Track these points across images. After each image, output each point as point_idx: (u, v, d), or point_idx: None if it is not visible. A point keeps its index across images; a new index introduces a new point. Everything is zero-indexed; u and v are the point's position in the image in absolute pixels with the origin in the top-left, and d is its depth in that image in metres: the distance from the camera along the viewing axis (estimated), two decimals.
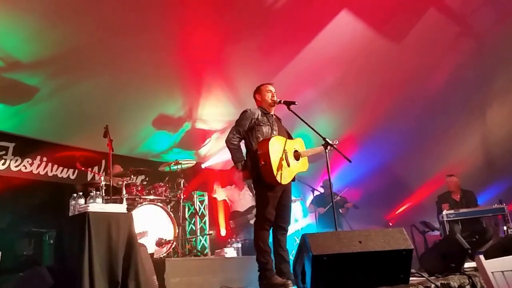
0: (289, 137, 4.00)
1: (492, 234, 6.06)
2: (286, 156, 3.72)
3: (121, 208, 3.65)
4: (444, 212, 6.11)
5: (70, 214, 3.54)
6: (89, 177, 6.28)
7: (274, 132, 3.85)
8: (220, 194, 6.65)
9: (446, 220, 6.03)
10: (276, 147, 3.67)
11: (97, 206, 3.45)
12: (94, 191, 4.62)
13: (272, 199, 3.71)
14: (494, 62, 6.66)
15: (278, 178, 3.57)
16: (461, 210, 6.09)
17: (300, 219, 8.40)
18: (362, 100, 7.07)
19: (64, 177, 6.16)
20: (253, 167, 3.72)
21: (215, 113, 6.87)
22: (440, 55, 6.55)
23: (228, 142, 3.83)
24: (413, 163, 8.25)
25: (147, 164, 6.98)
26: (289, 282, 3.48)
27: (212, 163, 7.89)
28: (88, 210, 3.32)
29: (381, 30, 5.90)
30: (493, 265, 2.22)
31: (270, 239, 3.82)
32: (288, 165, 3.72)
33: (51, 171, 6.06)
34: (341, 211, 7.26)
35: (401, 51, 6.22)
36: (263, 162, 3.59)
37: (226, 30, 5.36)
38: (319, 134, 3.61)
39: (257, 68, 5.90)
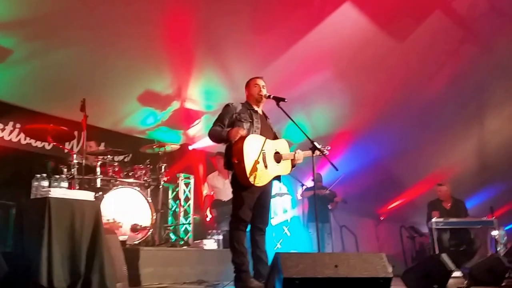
0: (274, 137, 3.71)
1: (479, 246, 6.11)
2: (263, 157, 3.45)
3: (87, 195, 3.35)
4: (434, 219, 6.05)
5: (32, 196, 3.25)
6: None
7: (256, 130, 3.57)
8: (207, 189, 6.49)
9: (435, 228, 5.99)
10: (253, 146, 3.40)
11: (60, 191, 3.17)
12: (66, 171, 4.38)
13: (248, 200, 3.47)
14: (494, 70, 6.62)
15: (251, 180, 3.32)
16: (451, 219, 6.07)
17: (289, 210, 8.26)
18: (360, 96, 6.92)
19: (39, 147, 5.67)
20: (228, 164, 3.50)
21: (206, 94, 6.61)
22: (442, 59, 6.47)
23: (211, 135, 3.61)
24: (407, 162, 8.18)
25: (131, 140, 6.71)
26: None
27: (200, 146, 7.61)
28: (50, 196, 3.05)
29: (384, 28, 5.74)
30: None
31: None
32: (266, 167, 3.46)
33: (24, 139, 5.57)
34: (330, 207, 7.10)
35: (402, 51, 6.09)
36: (236, 161, 3.35)
37: (222, 10, 5.07)
38: (308, 138, 3.32)
39: (252, 52, 5.69)
